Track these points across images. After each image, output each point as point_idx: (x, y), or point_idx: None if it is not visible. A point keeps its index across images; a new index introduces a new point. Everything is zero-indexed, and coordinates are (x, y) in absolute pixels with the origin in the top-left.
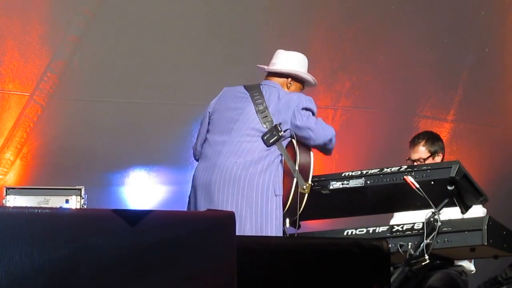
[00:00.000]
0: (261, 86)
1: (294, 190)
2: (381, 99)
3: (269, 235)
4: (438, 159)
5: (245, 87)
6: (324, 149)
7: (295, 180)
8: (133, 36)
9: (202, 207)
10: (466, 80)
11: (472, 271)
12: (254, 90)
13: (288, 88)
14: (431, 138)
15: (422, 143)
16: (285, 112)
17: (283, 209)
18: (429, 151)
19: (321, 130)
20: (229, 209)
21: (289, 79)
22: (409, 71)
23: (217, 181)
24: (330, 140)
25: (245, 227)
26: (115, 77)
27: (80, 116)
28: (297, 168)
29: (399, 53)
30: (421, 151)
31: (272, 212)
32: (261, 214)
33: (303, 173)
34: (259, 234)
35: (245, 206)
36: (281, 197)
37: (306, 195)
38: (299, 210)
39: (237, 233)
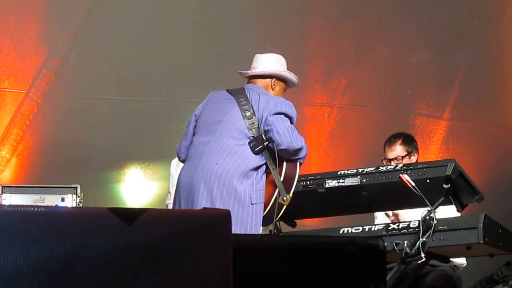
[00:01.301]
0: (246, 90)
1: (274, 200)
2: (377, 97)
3: None
4: (413, 159)
5: (229, 91)
6: (291, 158)
7: (277, 190)
8: (129, 33)
9: (184, 207)
10: (462, 78)
11: (463, 264)
12: (239, 95)
13: (273, 89)
14: (407, 139)
15: (399, 142)
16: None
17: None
18: (406, 150)
19: (288, 137)
20: None
21: (273, 80)
22: (405, 69)
23: (198, 181)
24: (296, 150)
25: None
26: (111, 74)
27: (76, 113)
28: (281, 179)
29: (395, 51)
30: (398, 150)
31: (247, 221)
32: (235, 220)
33: (287, 185)
34: None
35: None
36: (257, 205)
37: (285, 206)
38: (275, 219)
39: None
